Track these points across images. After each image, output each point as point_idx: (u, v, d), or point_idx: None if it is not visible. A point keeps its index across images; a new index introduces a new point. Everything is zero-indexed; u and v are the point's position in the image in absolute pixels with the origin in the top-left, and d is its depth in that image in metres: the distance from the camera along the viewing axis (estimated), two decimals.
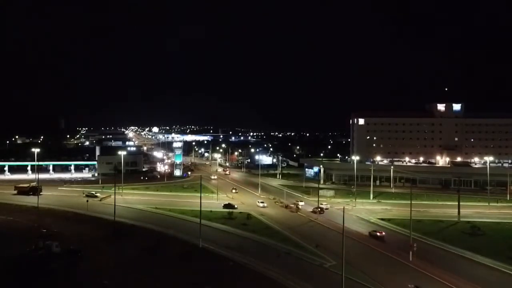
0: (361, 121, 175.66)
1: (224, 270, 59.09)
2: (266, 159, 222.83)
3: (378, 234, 78.83)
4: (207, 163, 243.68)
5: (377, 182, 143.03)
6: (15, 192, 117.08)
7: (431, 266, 61.63)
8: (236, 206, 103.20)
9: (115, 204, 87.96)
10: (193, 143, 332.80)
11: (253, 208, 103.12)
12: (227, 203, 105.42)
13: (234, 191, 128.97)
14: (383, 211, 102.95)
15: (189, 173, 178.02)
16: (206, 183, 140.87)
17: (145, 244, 70.07)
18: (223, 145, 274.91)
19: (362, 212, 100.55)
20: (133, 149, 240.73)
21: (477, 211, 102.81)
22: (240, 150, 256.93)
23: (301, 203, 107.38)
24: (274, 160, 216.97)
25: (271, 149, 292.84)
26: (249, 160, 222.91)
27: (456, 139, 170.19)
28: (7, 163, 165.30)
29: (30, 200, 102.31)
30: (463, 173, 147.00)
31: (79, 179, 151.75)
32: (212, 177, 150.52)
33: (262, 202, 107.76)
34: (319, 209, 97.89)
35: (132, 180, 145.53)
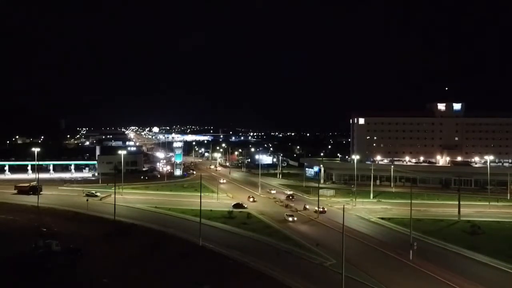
0: (361, 121, 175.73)
1: (223, 269, 59.05)
2: (266, 159, 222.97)
3: (321, 209, 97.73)
4: (200, 160, 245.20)
5: (377, 182, 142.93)
6: (15, 191, 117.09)
7: (431, 265, 61.53)
8: (246, 206, 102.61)
9: (115, 204, 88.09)
10: (193, 143, 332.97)
11: (279, 223, 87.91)
12: (236, 203, 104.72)
13: (251, 199, 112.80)
14: (383, 211, 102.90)
15: (194, 172, 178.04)
16: (214, 186, 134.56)
17: (145, 243, 70.08)
18: (223, 145, 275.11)
19: (362, 212, 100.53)
20: (133, 149, 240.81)
21: (478, 210, 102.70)
22: (240, 150, 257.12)
23: (272, 192, 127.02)
24: (274, 160, 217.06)
25: (271, 148, 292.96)
26: (249, 160, 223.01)
27: (456, 138, 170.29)
28: (7, 163, 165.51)
29: (30, 200, 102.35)
30: (464, 173, 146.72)
31: (79, 179, 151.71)
32: (221, 180, 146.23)
33: (291, 216, 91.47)
34: (291, 197, 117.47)
35: (132, 179, 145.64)
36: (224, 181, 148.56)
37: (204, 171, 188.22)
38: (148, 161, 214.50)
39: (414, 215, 78.09)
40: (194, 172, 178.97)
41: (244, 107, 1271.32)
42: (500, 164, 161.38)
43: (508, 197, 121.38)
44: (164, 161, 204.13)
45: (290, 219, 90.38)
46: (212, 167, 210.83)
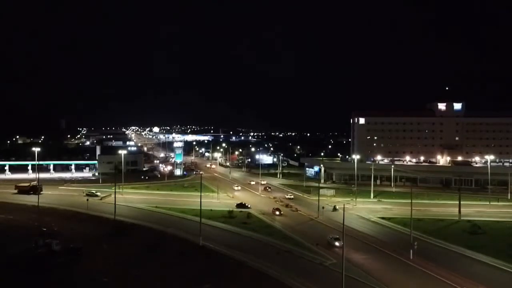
0: (362, 121, 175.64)
1: (224, 268, 59.04)
2: (266, 159, 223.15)
3: (269, 187, 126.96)
4: (196, 160, 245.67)
5: (378, 182, 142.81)
6: (16, 191, 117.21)
7: (431, 265, 61.46)
8: (249, 206, 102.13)
9: (115, 203, 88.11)
10: (194, 143, 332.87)
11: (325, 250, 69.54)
12: (239, 202, 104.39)
13: (277, 212, 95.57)
14: (384, 210, 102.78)
15: (201, 172, 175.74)
16: (214, 186, 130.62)
17: (145, 242, 70.12)
18: (224, 145, 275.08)
19: (363, 211, 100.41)
20: (134, 148, 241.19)
21: (478, 210, 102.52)
22: (240, 150, 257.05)
23: (252, 183, 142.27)
24: (275, 160, 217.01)
25: (271, 148, 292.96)
26: (249, 160, 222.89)
27: (456, 138, 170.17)
28: (7, 163, 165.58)
29: (30, 199, 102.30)
30: (464, 172, 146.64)
31: (80, 179, 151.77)
32: (235, 187, 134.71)
33: (337, 240, 70.71)
34: (268, 187, 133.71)
35: (133, 179, 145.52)
36: (239, 187, 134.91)
37: (205, 170, 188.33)
38: (148, 161, 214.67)
39: (414, 214, 77.97)
40: (201, 172, 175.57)
41: (244, 107, 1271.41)
42: (501, 163, 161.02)
43: (509, 197, 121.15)
44: (164, 160, 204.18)
45: (337, 243, 70.17)
46: (208, 165, 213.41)
